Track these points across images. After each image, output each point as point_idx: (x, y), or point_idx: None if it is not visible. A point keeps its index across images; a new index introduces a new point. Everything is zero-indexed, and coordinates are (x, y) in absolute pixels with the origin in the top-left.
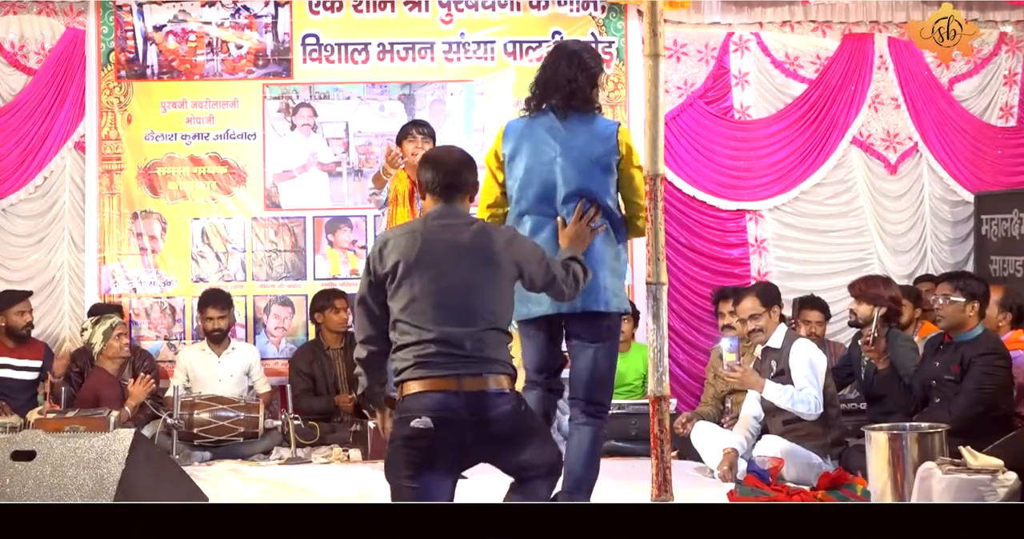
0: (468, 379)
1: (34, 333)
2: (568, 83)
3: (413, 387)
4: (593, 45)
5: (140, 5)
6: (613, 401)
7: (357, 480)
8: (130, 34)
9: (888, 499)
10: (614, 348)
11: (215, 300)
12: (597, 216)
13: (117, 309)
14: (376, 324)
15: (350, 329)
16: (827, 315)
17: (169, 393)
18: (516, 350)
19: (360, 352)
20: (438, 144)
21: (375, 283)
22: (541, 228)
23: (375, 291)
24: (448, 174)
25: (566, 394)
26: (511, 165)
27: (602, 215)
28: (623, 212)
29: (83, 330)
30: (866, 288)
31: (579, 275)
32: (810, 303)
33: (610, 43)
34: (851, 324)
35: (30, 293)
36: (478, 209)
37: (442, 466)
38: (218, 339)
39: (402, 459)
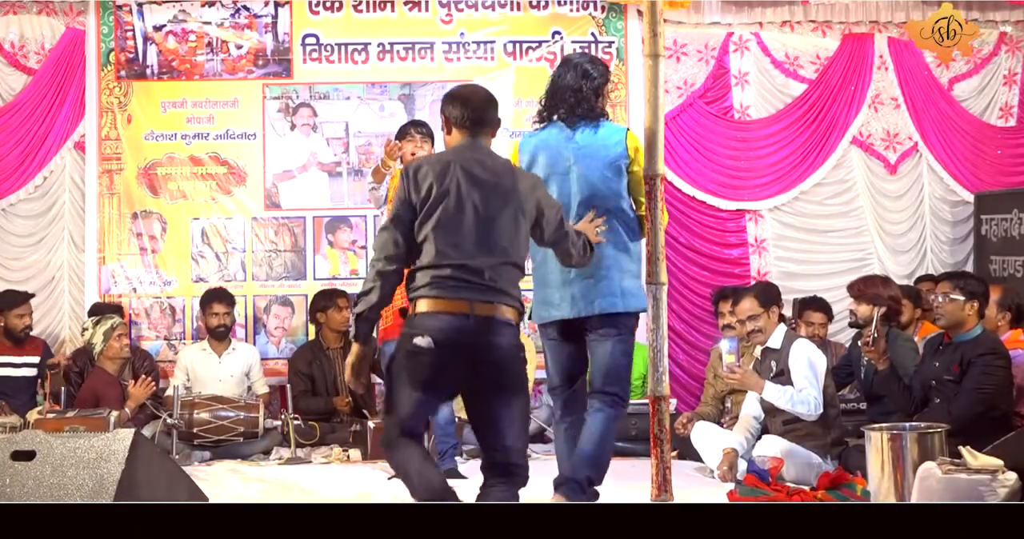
0: (480, 305)
1: (34, 333)
2: (573, 94)
3: (427, 306)
4: (596, 55)
5: (140, 5)
6: None
7: (357, 480)
8: (130, 34)
9: (888, 499)
10: (630, 342)
11: (220, 297)
12: (602, 223)
13: (117, 309)
14: (399, 245)
15: (350, 329)
16: (830, 316)
17: (169, 392)
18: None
19: (382, 267)
20: (436, 146)
21: (407, 206)
22: None
23: (406, 213)
24: (476, 109)
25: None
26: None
27: (617, 217)
28: (635, 212)
29: (84, 330)
30: (866, 288)
31: (587, 245)
32: (813, 304)
33: (610, 43)
34: (851, 325)
35: (31, 295)
36: None
37: (439, 383)
38: (221, 336)
39: (404, 371)
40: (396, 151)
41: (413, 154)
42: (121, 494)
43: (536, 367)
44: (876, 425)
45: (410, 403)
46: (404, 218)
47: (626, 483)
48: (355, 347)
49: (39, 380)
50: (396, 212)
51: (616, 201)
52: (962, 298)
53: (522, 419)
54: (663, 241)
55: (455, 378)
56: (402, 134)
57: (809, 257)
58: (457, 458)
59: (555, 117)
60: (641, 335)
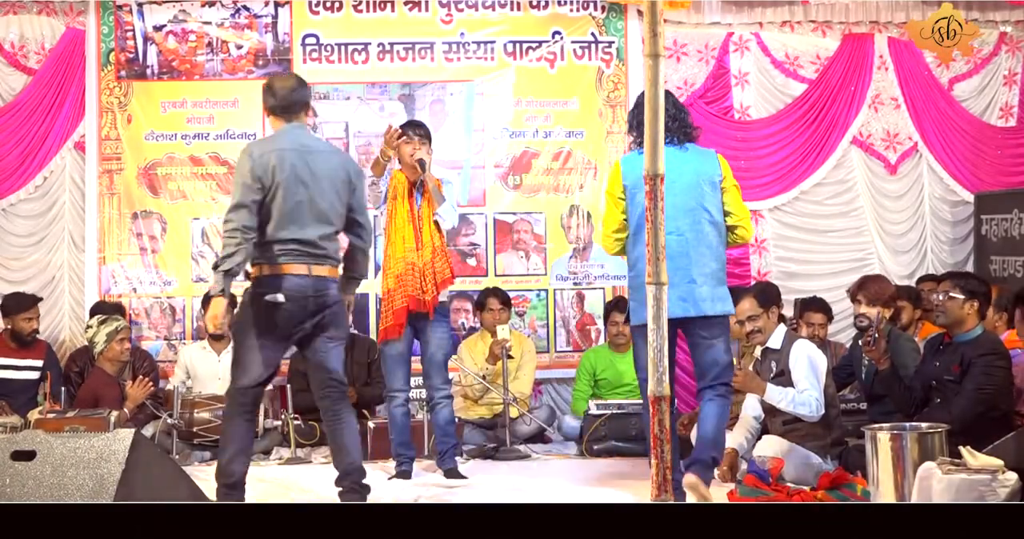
0: (316, 267)
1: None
2: (672, 119)
3: (275, 269)
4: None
5: (140, 5)
6: (613, 401)
7: None
8: (130, 34)
9: (888, 499)
10: (728, 339)
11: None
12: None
13: (118, 309)
14: (254, 219)
15: (350, 329)
16: (830, 317)
17: (170, 387)
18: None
19: (243, 237)
20: (435, 146)
21: (254, 188)
22: (666, 246)
23: (255, 193)
24: (283, 99)
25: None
26: (634, 194)
27: (713, 226)
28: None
29: (87, 327)
30: (872, 289)
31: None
32: (813, 304)
33: (610, 43)
34: (857, 326)
35: (39, 299)
36: (602, 236)
37: (280, 334)
38: (221, 335)
39: (254, 322)
40: (395, 138)
41: (412, 155)
42: (121, 494)
43: (536, 367)
44: (876, 425)
45: (261, 351)
46: (254, 197)
47: (626, 483)
48: (217, 300)
49: (41, 382)
50: (245, 193)
51: (714, 213)
52: (961, 297)
53: (341, 351)
54: (663, 241)
55: (299, 324)
56: (400, 135)
57: (809, 257)
58: (457, 458)
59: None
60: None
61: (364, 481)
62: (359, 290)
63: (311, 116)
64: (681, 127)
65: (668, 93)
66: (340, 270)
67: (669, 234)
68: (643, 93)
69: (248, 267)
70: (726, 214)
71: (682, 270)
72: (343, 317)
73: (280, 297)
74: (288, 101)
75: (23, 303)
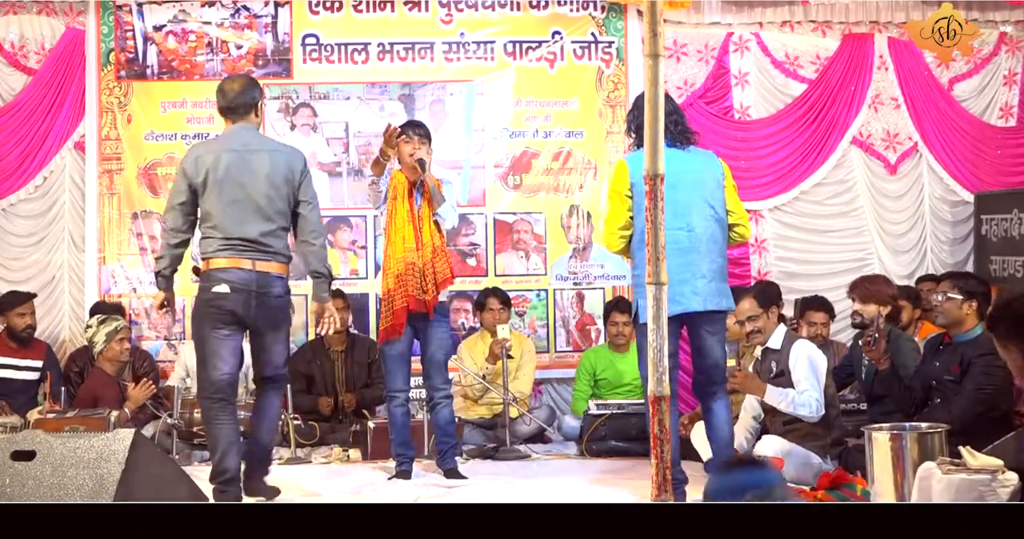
0: (259, 262)
1: (35, 334)
2: (675, 123)
3: (220, 264)
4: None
5: (140, 5)
6: (613, 401)
7: (357, 480)
8: (130, 34)
9: (888, 499)
10: (724, 338)
11: None
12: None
13: (118, 309)
14: (185, 222)
15: (351, 329)
16: (832, 316)
17: (171, 383)
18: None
19: (172, 239)
20: (435, 146)
21: (189, 190)
22: (676, 241)
23: (189, 195)
24: (231, 100)
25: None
26: (642, 192)
27: (718, 224)
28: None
29: (87, 327)
30: (871, 288)
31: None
32: (814, 304)
33: (610, 43)
34: (856, 325)
35: (33, 295)
36: (606, 233)
37: (232, 322)
38: None
39: (207, 314)
40: (394, 137)
41: (411, 155)
42: (121, 494)
43: (536, 367)
44: (876, 425)
45: (220, 342)
46: (181, 199)
47: (626, 483)
48: (160, 292)
49: (40, 382)
50: (173, 195)
51: (720, 211)
52: (960, 297)
53: (284, 343)
54: (663, 241)
55: (245, 316)
56: (400, 135)
57: (809, 257)
58: (457, 458)
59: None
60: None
61: (268, 468)
62: (358, 290)
63: (311, 116)
64: (683, 130)
65: (668, 96)
66: (289, 267)
67: (679, 229)
68: (641, 95)
69: (200, 263)
70: (727, 213)
71: (693, 265)
72: (286, 313)
73: (225, 287)
74: (235, 103)
75: (16, 299)
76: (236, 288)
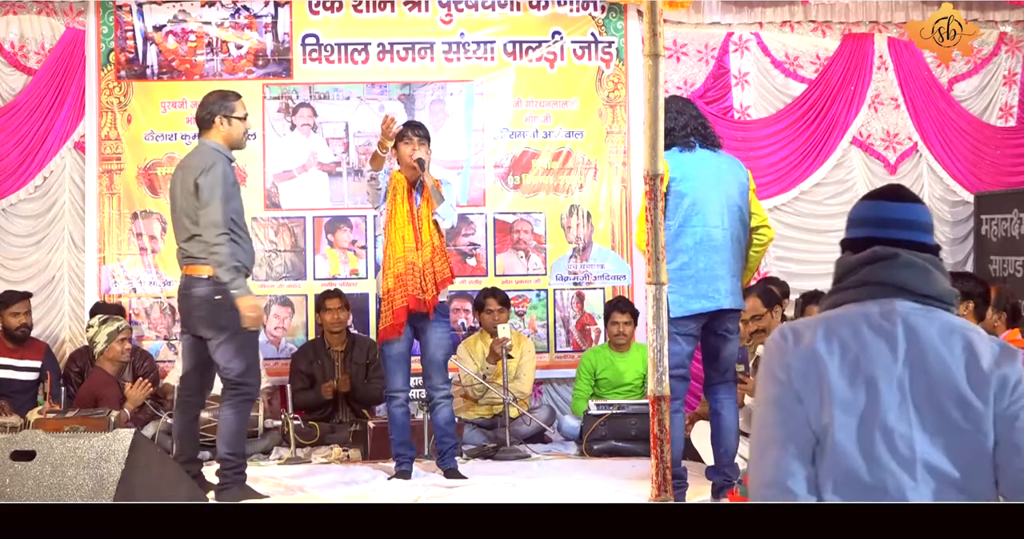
0: (186, 268)
1: (34, 333)
2: (704, 127)
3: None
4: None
5: (140, 5)
6: (613, 401)
7: (357, 480)
8: (130, 34)
9: None
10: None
11: None
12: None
13: (118, 309)
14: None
15: (350, 329)
16: None
17: (170, 380)
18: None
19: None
20: (435, 146)
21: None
22: (712, 238)
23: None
24: (197, 113)
25: (561, 397)
26: (679, 188)
27: (743, 225)
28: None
29: (88, 327)
30: None
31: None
32: (817, 299)
33: (610, 43)
34: None
35: (29, 295)
36: (638, 232)
37: (185, 325)
38: None
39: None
40: (392, 128)
41: (411, 155)
42: (121, 494)
43: (536, 367)
44: None
45: (183, 343)
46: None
47: (626, 483)
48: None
49: (40, 382)
50: None
51: (746, 212)
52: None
53: (229, 347)
54: (663, 241)
55: (185, 318)
56: (400, 136)
57: (809, 257)
58: (457, 458)
59: (693, 141)
60: (641, 335)
61: (240, 472)
62: (358, 290)
63: (311, 116)
64: (711, 133)
65: (690, 101)
66: (209, 268)
67: (715, 227)
68: (672, 97)
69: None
70: (751, 215)
71: (726, 264)
72: (215, 314)
73: (173, 295)
74: (197, 118)
75: (11, 298)
76: (178, 295)
